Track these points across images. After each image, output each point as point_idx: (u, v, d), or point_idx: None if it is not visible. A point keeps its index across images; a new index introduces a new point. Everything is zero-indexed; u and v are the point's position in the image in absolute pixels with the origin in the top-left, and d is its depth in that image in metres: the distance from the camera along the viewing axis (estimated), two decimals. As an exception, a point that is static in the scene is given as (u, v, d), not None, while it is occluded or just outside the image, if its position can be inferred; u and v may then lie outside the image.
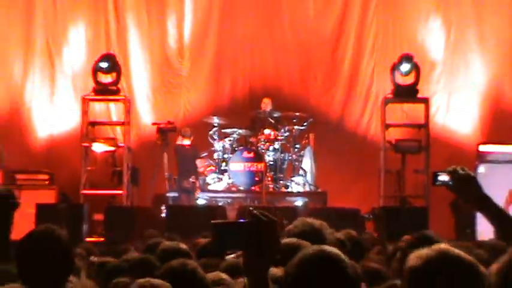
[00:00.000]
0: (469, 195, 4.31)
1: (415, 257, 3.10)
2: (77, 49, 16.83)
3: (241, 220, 3.15)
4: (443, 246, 3.17)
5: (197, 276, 4.38)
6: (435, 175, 4.50)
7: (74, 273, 5.11)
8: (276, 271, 4.00)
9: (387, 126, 15.18)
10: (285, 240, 4.66)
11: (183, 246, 6.10)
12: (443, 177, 4.35)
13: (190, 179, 15.20)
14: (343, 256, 3.38)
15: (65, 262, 4.83)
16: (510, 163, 14.53)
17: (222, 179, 15.08)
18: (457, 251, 3.15)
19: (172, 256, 5.52)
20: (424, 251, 3.12)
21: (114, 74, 15.21)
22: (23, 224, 9.98)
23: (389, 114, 15.44)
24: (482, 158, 14.60)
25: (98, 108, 16.26)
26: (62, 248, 4.85)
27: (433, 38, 16.92)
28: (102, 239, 13.73)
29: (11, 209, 6.37)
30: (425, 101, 15.28)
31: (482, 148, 14.92)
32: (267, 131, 15.04)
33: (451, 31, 16.95)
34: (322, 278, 3.25)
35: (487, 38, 16.99)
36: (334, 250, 3.40)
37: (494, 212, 4.28)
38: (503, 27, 17.09)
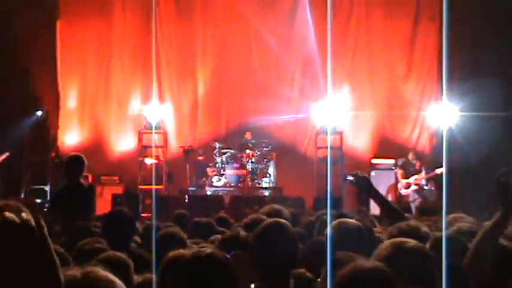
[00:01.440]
0: (364, 188, 4.85)
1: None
2: (136, 101, 17.58)
3: None
4: None
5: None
6: (344, 176, 6.41)
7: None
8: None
9: (319, 148, 16.75)
10: (252, 216, 5.31)
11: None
12: (350, 178, 4.87)
13: (203, 179, 16.34)
14: (288, 224, 3.76)
15: (130, 227, 5.62)
16: (389, 170, 15.86)
17: (221, 179, 16.25)
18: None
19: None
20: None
21: (157, 117, 16.77)
22: (104, 206, 12.06)
23: (320, 141, 16.75)
24: (373, 167, 16.02)
25: (148, 137, 17.05)
26: (128, 218, 5.64)
27: (343, 96, 17.34)
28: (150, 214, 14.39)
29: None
30: (341, 133, 16.57)
31: (374, 161, 16.35)
32: (248, 151, 16.23)
33: (353, 91, 17.47)
34: (272, 237, 3.59)
35: (377, 92, 17.53)
36: (283, 220, 3.85)
37: (379, 198, 4.86)
38: (386, 84, 17.54)
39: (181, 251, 2.74)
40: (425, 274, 2.83)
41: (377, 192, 4.85)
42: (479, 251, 3.40)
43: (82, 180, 8.00)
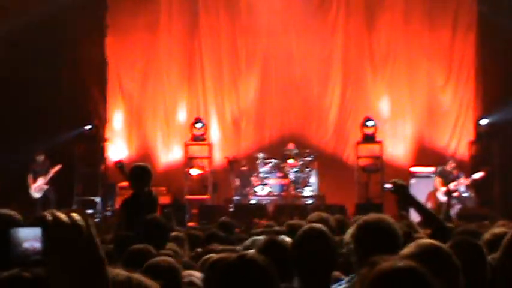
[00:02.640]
0: (402, 195, 4.79)
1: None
2: (182, 114, 18.05)
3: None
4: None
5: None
6: (383, 184, 6.25)
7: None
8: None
9: (359, 157, 16.97)
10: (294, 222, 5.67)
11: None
12: (388, 185, 4.98)
13: (247, 188, 16.58)
14: (324, 229, 3.81)
15: (164, 234, 5.89)
16: (428, 178, 15.82)
17: (264, 189, 16.58)
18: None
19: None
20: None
21: (202, 129, 17.13)
22: None
23: (361, 150, 17.00)
24: (412, 175, 16.01)
25: (193, 149, 17.43)
26: (168, 227, 6.05)
27: (383, 106, 17.86)
28: (196, 223, 14.92)
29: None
30: (380, 143, 16.83)
31: (413, 169, 16.41)
32: (290, 161, 16.61)
33: (393, 101, 17.86)
34: (310, 243, 3.68)
35: (416, 102, 17.79)
36: (318, 225, 3.94)
37: (417, 205, 4.82)
38: (425, 93, 17.81)
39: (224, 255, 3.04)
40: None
41: (414, 199, 4.88)
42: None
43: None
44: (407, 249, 3.03)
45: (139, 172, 8.09)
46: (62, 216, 1.74)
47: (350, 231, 3.77)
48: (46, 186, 15.87)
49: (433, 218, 4.79)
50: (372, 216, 3.67)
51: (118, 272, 2.14)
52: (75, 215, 1.77)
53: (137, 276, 2.23)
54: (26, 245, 1.72)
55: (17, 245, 1.71)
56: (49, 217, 1.72)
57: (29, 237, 1.71)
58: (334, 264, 3.77)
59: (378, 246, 3.30)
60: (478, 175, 15.76)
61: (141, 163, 8.77)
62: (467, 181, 15.71)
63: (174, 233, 6.42)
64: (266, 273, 2.66)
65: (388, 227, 3.56)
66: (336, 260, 3.81)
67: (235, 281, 2.65)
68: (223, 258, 3.08)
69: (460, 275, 2.90)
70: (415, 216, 10.08)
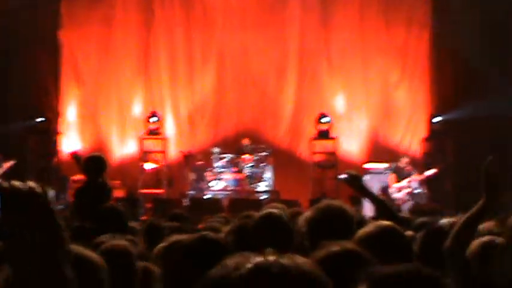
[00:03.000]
0: (356, 186, 4.89)
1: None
2: (137, 108, 17.98)
3: None
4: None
5: None
6: (337, 176, 6.24)
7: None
8: None
9: (314, 153, 17.16)
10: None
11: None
12: (342, 176, 4.99)
13: (202, 183, 16.51)
14: (283, 215, 3.99)
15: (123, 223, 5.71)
16: (381, 174, 15.89)
17: (219, 183, 16.57)
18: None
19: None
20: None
21: (157, 123, 17.20)
22: None
23: (315, 146, 17.12)
24: (366, 171, 15.79)
25: (148, 143, 17.48)
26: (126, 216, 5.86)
27: (338, 102, 17.97)
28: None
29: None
30: (335, 139, 17.03)
31: (366, 165, 16.40)
32: (246, 156, 16.67)
33: (348, 98, 17.99)
34: (265, 230, 3.81)
35: (371, 98, 17.89)
36: (277, 212, 4.11)
37: (371, 196, 4.91)
38: (380, 90, 17.95)
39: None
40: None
41: (368, 190, 4.97)
42: (459, 236, 3.41)
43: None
44: (365, 229, 3.18)
45: (93, 162, 8.13)
46: (19, 183, 1.72)
47: (304, 215, 3.84)
48: (-1, 181, 15.60)
49: (387, 209, 4.83)
50: (325, 201, 3.81)
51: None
52: (31, 183, 1.74)
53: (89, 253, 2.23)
54: None
55: None
56: (5, 184, 1.69)
57: None
58: (290, 247, 3.75)
59: (331, 229, 3.36)
60: (430, 172, 15.96)
61: (95, 153, 8.87)
62: (420, 178, 15.83)
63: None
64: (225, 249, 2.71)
65: (341, 211, 3.66)
66: (292, 244, 3.84)
67: (196, 259, 2.67)
68: (181, 239, 3.08)
69: (412, 257, 3.05)
70: (368, 209, 10.87)
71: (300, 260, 1.34)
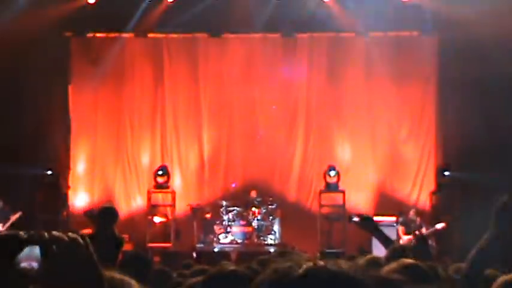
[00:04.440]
0: (369, 227, 5.12)
1: None
2: (145, 162, 18.07)
3: None
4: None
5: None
6: (349, 217, 5.20)
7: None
8: None
9: (322, 206, 17.15)
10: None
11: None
12: (355, 218, 5.07)
13: (211, 236, 16.59)
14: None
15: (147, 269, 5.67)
16: (391, 226, 15.43)
17: (228, 236, 16.62)
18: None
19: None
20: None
21: (165, 177, 17.11)
22: None
23: (324, 199, 17.14)
24: None
25: (156, 196, 17.49)
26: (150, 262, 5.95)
27: (345, 155, 18.03)
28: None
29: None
30: (343, 192, 16.98)
31: (375, 218, 14.89)
32: (254, 209, 16.75)
33: (355, 150, 18.01)
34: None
35: (378, 151, 17.99)
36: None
37: (383, 238, 5.00)
38: (387, 143, 17.99)
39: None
40: None
41: (381, 231, 5.08)
42: (474, 262, 3.41)
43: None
44: (389, 266, 3.17)
45: (105, 212, 8.23)
46: (59, 234, 1.71)
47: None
48: (5, 233, 15.52)
49: (400, 252, 4.69)
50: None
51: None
52: (71, 234, 1.74)
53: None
54: (24, 264, 1.65)
55: (16, 265, 1.64)
56: (45, 234, 1.69)
57: (26, 256, 1.64)
58: None
59: None
60: (440, 225, 15.90)
61: (107, 204, 8.82)
62: (429, 231, 15.77)
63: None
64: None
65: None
66: None
67: None
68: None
69: None
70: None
71: (346, 265, 1.38)
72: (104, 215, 8.15)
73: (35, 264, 1.65)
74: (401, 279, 2.56)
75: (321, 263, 1.36)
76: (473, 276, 3.41)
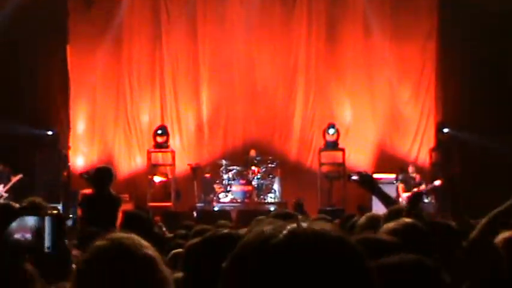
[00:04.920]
0: (368, 185, 5.05)
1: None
2: (144, 121, 18.03)
3: None
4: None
5: None
6: (349, 176, 5.22)
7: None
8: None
9: (322, 164, 17.23)
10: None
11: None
12: (354, 177, 5.06)
13: (211, 195, 16.65)
14: None
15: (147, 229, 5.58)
16: (390, 184, 15.34)
17: (228, 195, 16.66)
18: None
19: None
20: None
21: (165, 137, 17.13)
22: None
23: (323, 157, 17.16)
24: None
25: (156, 156, 17.51)
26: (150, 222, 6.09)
27: (345, 113, 17.99)
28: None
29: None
30: (342, 150, 17.02)
31: (375, 175, 14.13)
32: (253, 168, 16.74)
33: (355, 109, 17.98)
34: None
35: (378, 109, 17.93)
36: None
37: (383, 195, 4.97)
38: (387, 101, 17.98)
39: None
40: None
41: (380, 189, 5.06)
42: (486, 229, 3.49)
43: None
44: (388, 225, 3.24)
45: (100, 173, 8.29)
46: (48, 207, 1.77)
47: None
48: (6, 194, 15.50)
49: (399, 209, 4.64)
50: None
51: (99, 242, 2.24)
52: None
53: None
54: (17, 235, 1.65)
55: (9, 236, 1.66)
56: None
57: (18, 227, 1.64)
58: None
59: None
60: (438, 182, 15.91)
61: (103, 165, 8.89)
62: (428, 187, 15.79)
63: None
64: None
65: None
66: None
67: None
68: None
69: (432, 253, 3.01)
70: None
71: (330, 227, 1.32)
72: (99, 176, 8.20)
73: (27, 236, 1.69)
74: (391, 241, 2.61)
75: (304, 225, 1.30)
76: (484, 240, 3.45)
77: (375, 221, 4.24)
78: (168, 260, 4.64)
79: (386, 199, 4.96)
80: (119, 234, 2.32)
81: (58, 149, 17.43)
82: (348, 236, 1.32)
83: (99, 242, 2.27)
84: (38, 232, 1.81)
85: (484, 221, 3.51)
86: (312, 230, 1.28)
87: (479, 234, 3.48)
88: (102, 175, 8.19)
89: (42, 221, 2.15)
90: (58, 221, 3.24)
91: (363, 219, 4.37)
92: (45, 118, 17.43)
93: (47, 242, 2.18)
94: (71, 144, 17.89)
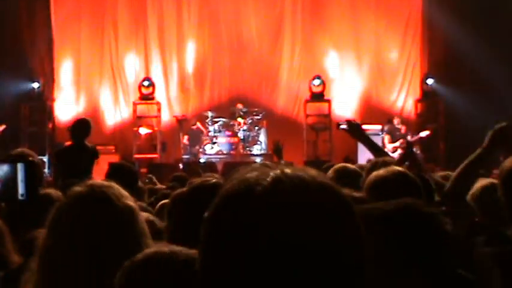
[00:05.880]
0: (356, 133, 4.99)
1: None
2: (130, 73, 17.87)
3: None
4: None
5: None
6: (337, 124, 5.08)
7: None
8: None
9: (308, 115, 17.15)
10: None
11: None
12: (343, 125, 4.99)
13: (197, 147, 16.53)
14: None
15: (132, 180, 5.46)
16: (376, 135, 14.89)
17: (214, 147, 16.58)
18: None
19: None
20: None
21: (151, 88, 17.07)
22: (100, 174, 12.23)
23: (309, 109, 17.12)
24: None
25: (142, 108, 17.38)
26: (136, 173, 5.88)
27: (330, 64, 17.88)
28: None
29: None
30: (328, 101, 17.02)
31: None
32: (239, 119, 16.62)
33: (341, 60, 17.89)
34: None
35: (364, 60, 17.88)
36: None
37: (370, 142, 4.91)
38: (372, 51, 17.90)
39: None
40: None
41: (369, 137, 5.02)
42: (459, 179, 3.48)
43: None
44: (377, 173, 3.19)
45: (77, 124, 8.37)
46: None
47: None
48: (-10, 145, 15.49)
49: (385, 155, 4.86)
50: None
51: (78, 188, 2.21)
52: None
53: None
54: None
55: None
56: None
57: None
58: None
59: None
60: (424, 133, 15.93)
61: (81, 117, 9.08)
62: (414, 138, 15.73)
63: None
64: None
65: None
66: None
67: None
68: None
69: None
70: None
71: (315, 172, 1.25)
72: (76, 127, 8.28)
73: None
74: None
75: (288, 170, 1.22)
76: (459, 190, 3.46)
77: (343, 174, 4.23)
78: (157, 210, 4.61)
79: (374, 148, 4.93)
80: (99, 182, 2.28)
81: (43, 101, 17.29)
82: (333, 182, 1.26)
83: (78, 188, 2.22)
84: (10, 180, 1.77)
85: (455, 173, 3.51)
86: (297, 176, 1.21)
87: (451, 186, 3.48)
88: (78, 126, 8.28)
89: (14, 168, 2.07)
90: (31, 168, 3.23)
91: (330, 172, 4.31)
92: (29, 70, 17.24)
93: (21, 190, 2.11)
94: (55, 96, 17.73)
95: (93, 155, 8.10)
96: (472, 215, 3.56)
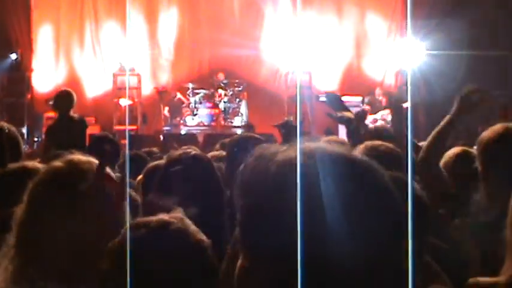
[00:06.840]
0: (336, 105, 4.93)
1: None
2: (110, 43, 17.67)
3: None
4: None
5: None
6: (316, 96, 6.06)
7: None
8: None
9: (289, 87, 16.95)
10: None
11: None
12: (322, 98, 5.57)
13: (177, 119, 16.65)
14: None
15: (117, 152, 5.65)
16: (357, 107, 13.73)
17: (194, 119, 16.64)
18: None
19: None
20: None
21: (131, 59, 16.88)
22: None
23: (290, 80, 16.91)
24: None
25: (122, 79, 17.03)
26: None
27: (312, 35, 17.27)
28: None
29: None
30: (309, 72, 16.68)
31: (341, 98, 17.74)
32: (220, 91, 16.64)
33: (322, 31, 17.64)
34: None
35: (345, 31, 17.94)
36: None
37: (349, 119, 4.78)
38: (353, 23, 17.94)
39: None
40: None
41: (347, 108, 5.00)
42: (430, 148, 3.53)
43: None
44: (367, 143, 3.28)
45: (60, 96, 8.24)
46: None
47: None
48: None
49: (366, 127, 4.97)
50: None
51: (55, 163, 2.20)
52: None
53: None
54: None
55: None
56: None
57: None
58: None
59: None
60: (405, 105, 15.87)
61: (63, 89, 8.87)
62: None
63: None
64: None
65: None
66: None
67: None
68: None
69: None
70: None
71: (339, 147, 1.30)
72: (59, 100, 8.18)
73: None
74: None
75: (312, 145, 1.26)
76: (430, 159, 3.49)
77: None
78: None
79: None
80: (77, 157, 2.24)
81: (21, 72, 17.16)
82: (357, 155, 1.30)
83: (55, 163, 2.20)
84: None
85: (426, 142, 3.54)
86: (325, 149, 1.26)
87: (423, 155, 3.50)
88: (62, 98, 8.16)
89: None
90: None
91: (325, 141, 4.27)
92: (7, 40, 17.09)
93: None
94: (34, 66, 17.59)
95: (83, 126, 8.08)
96: (444, 183, 3.55)
